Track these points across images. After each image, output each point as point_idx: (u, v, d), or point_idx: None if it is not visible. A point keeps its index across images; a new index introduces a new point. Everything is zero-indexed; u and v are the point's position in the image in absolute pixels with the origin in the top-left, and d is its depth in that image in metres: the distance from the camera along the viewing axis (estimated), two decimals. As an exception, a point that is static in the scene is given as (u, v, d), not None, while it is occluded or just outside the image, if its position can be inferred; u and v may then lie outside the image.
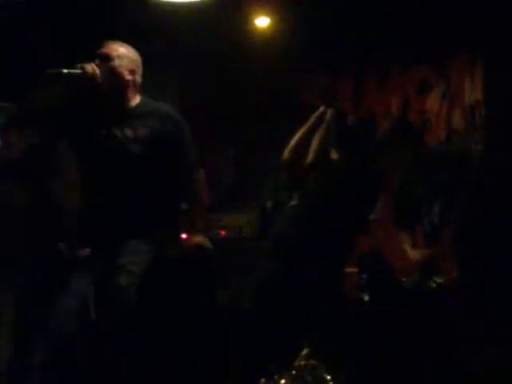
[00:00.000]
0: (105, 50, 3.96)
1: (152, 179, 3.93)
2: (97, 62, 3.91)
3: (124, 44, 4.05)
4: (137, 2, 5.68)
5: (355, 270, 4.72)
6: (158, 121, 3.97)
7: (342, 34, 6.13)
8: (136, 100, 4.01)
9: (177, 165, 4.02)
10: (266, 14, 6.12)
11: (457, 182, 4.47)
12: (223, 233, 5.96)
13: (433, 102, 6.09)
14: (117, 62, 3.93)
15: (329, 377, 4.05)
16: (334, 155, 4.54)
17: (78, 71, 3.83)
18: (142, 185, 3.90)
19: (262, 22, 6.18)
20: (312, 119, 4.66)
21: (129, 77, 3.96)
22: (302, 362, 4.15)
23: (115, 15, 5.93)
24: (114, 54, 3.95)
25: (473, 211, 4.35)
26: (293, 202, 4.54)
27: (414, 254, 4.47)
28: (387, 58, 6.23)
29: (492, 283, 4.21)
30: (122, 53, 3.98)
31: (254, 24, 6.19)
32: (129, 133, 3.91)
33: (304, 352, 4.22)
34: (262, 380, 4.00)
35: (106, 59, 3.93)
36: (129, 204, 3.88)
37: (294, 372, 4.06)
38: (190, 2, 5.42)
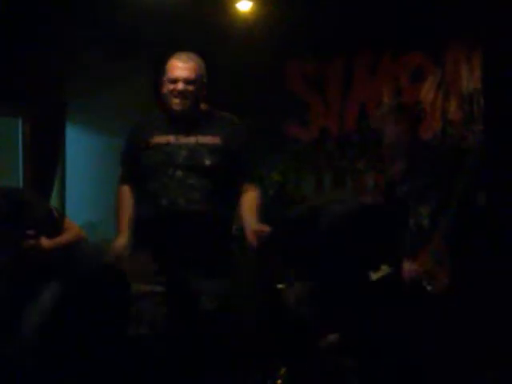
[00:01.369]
0: (187, 73, 3.83)
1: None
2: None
3: (194, 54, 3.95)
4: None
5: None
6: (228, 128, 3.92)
7: (330, 17, 5.82)
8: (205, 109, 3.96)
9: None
10: (248, -2, 5.78)
11: (448, 183, 4.32)
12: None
13: (427, 91, 5.82)
14: (198, 84, 3.85)
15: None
16: None
17: None
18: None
19: (244, 5, 5.84)
20: None
21: (204, 92, 3.91)
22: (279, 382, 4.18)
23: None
24: (194, 76, 3.83)
25: (466, 214, 4.27)
26: None
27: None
28: (379, 43, 5.93)
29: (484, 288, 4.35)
30: (201, 71, 3.89)
31: (235, 8, 5.86)
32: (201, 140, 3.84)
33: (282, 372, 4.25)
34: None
35: (188, 83, 3.81)
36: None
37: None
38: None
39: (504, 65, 5.26)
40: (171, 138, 3.83)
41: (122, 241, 3.78)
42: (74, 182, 6.25)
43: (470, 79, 5.62)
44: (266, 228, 3.68)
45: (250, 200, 3.84)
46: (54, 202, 5.93)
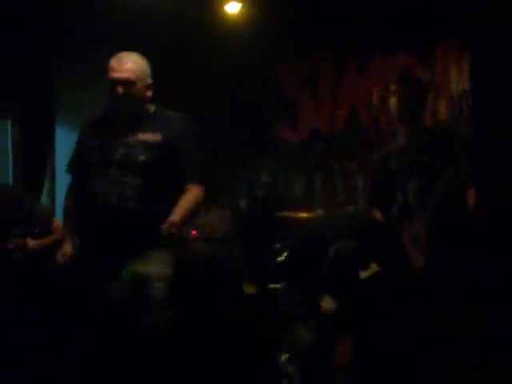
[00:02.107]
0: (123, 74, 3.65)
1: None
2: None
3: (135, 55, 3.74)
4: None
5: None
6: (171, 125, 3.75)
7: (318, 18, 5.81)
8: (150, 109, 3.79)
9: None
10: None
11: (439, 164, 4.30)
12: (194, 232, 5.64)
13: (417, 92, 5.78)
14: (138, 85, 3.68)
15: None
16: None
17: None
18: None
19: (233, 7, 5.82)
20: None
21: (149, 93, 3.73)
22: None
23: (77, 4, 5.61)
24: (134, 76, 3.66)
25: (450, 199, 4.26)
26: None
27: None
28: (368, 44, 5.91)
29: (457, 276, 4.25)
30: (141, 72, 3.70)
31: (224, 10, 5.83)
32: (141, 137, 3.69)
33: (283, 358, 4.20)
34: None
35: (125, 84, 3.65)
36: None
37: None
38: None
39: (492, 66, 5.25)
40: (111, 138, 3.73)
41: (67, 249, 3.78)
42: (64, 182, 6.23)
43: (459, 80, 5.61)
44: (175, 221, 3.61)
45: (183, 198, 3.70)
46: (44, 202, 5.93)
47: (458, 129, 5.55)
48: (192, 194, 3.72)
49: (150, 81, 3.75)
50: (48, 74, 5.92)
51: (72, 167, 3.89)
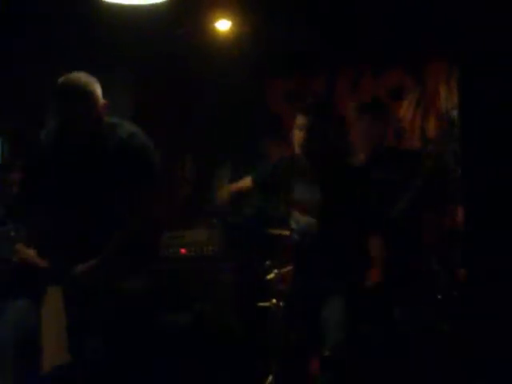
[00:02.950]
0: (72, 113, 3.52)
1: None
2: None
3: (82, 74, 3.60)
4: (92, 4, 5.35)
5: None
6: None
7: (310, 35, 5.79)
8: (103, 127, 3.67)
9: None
10: (227, 17, 5.73)
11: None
12: (183, 251, 5.60)
13: (407, 109, 5.80)
14: (83, 104, 3.52)
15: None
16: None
17: None
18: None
19: (223, 24, 5.80)
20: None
21: (99, 110, 3.59)
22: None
23: (67, 15, 5.58)
24: (81, 111, 3.52)
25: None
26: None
27: None
28: (359, 60, 5.93)
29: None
30: (88, 90, 3.54)
31: (214, 27, 5.81)
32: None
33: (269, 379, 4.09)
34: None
35: (69, 103, 3.52)
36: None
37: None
38: (148, 5, 5.10)
39: (480, 84, 5.27)
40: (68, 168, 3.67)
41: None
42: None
43: (448, 97, 5.63)
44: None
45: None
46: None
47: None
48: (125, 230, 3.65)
49: (97, 99, 3.59)
50: (41, 89, 5.91)
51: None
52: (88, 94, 3.54)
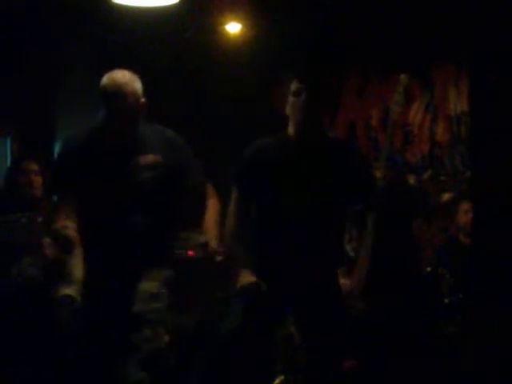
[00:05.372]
0: (117, 89, 3.51)
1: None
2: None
3: (126, 73, 3.59)
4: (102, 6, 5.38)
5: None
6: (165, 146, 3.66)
7: (318, 39, 5.84)
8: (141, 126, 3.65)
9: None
10: (237, 20, 5.76)
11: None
12: (190, 253, 5.60)
13: (416, 113, 5.81)
14: (131, 102, 3.51)
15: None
16: None
17: None
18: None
19: (233, 27, 5.83)
20: None
21: (143, 111, 3.59)
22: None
23: (77, 17, 5.62)
24: (125, 92, 3.50)
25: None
26: None
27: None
28: (367, 64, 5.93)
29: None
30: (134, 88, 3.54)
31: (224, 29, 5.85)
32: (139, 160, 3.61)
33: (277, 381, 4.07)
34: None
35: (119, 101, 3.51)
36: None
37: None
38: (158, 7, 5.12)
39: (490, 88, 5.25)
40: (111, 162, 3.63)
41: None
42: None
43: (457, 101, 5.63)
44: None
45: (208, 217, 3.77)
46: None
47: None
48: (213, 209, 3.76)
49: (141, 99, 3.59)
50: (48, 91, 5.93)
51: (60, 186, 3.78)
52: (133, 92, 3.54)
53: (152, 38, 5.86)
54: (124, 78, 3.57)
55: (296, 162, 3.56)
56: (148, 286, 3.60)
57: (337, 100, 6.08)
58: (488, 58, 5.15)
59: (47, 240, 4.24)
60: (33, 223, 3.87)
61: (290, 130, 3.54)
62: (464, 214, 5.21)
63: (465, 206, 5.23)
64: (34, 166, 4.84)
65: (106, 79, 3.57)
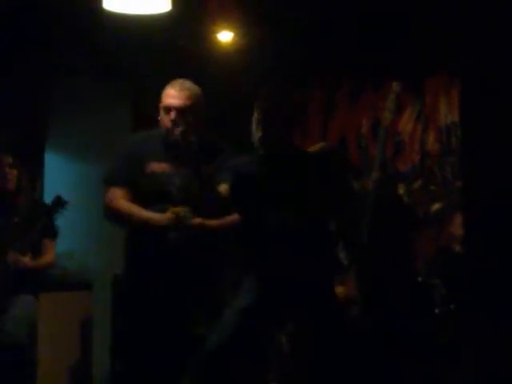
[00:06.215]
0: (180, 102, 3.71)
1: None
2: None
3: (190, 83, 3.82)
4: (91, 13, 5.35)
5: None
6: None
7: (311, 48, 5.83)
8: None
9: None
10: (229, 28, 5.75)
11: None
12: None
13: (406, 123, 5.80)
14: (192, 113, 3.72)
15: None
16: None
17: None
18: None
19: (225, 36, 5.82)
20: None
21: (203, 120, 3.80)
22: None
23: (66, 25, 5.61)
24: (188, 104, 3.71)
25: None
26: None
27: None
28: (360, 73, 5.93)
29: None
30: (196, 99, 3.76)
31: (216, 38, 5.85)
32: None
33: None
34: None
35: (181, 112, 3.69)
36: None
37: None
38: (148, 15, 5.11)
39: (481, 98, 5.26)
40: (166, 167, 3.74)
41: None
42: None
43: (448, 111, 5.64)
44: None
45: None
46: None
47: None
48: None
49: (203, 108, 3.78)
50: (40, 99, 5.91)
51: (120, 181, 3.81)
52: (194, 90, 3.84)
53: (142, 46, 5.85)
54: (185, 83, 3.85)
55: (269, 177, 3.66)
56: None
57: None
58: (479, 69, 5.18)
59: None
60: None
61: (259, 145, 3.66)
62: (459, 226, 5.22)
63: (460, 218, 5.25)
64: (8, 159, 4.85)
65: (170, 82, 3.86)
